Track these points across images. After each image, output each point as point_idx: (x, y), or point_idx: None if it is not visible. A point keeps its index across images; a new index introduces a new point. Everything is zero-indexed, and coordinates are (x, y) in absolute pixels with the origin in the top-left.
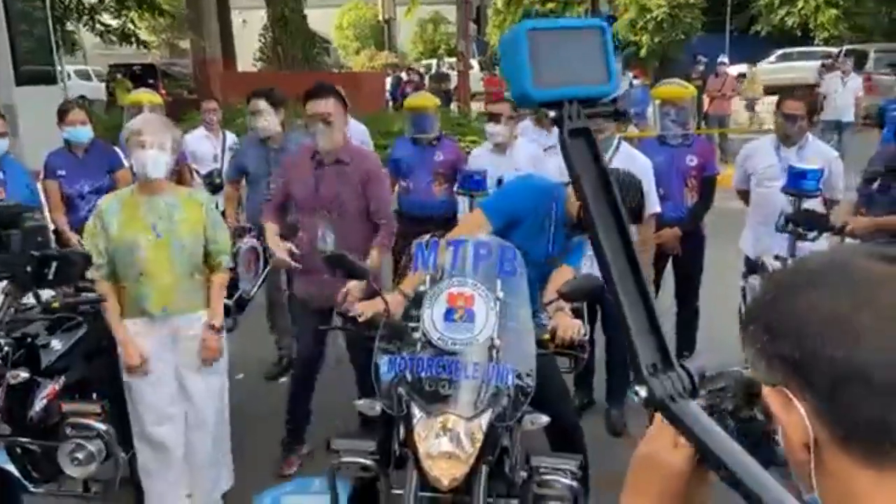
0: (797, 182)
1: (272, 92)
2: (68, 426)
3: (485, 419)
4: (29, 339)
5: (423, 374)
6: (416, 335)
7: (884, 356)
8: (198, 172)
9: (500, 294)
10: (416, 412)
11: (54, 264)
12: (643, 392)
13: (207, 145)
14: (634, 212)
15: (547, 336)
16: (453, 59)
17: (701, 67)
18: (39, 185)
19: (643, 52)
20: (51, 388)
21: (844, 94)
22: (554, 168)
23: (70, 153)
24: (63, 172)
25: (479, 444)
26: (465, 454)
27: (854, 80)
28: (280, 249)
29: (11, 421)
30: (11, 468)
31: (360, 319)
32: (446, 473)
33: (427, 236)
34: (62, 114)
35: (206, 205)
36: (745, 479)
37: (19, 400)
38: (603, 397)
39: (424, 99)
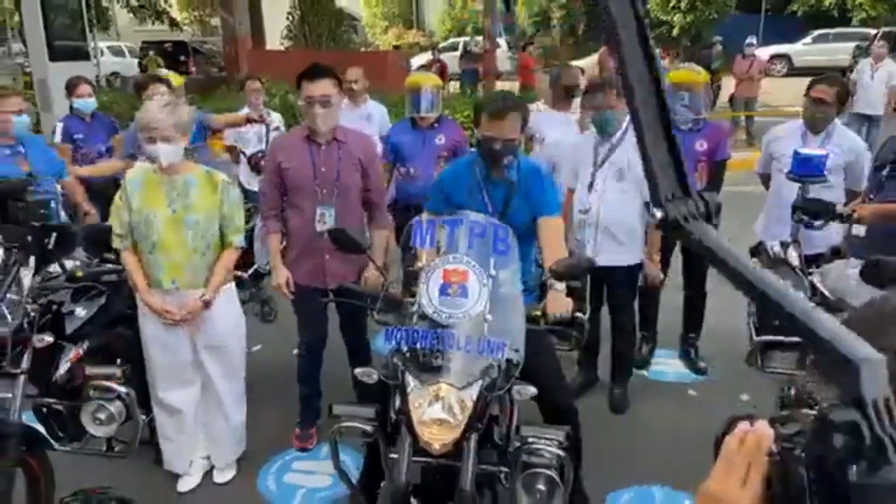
0: (800, 167)
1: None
2: (91, 388)
3: (475, 389)
4: (54, 307)
5: (418, 346)
6: (413, 308)
7: None
8: (243, 153)
9: (493, 271)
10: (411, 381)
11: (54, 235)
12: (659, 214)
13: (252, 126)
14: None
15: (538, 312)
16: (481, 38)
17: (719, 48)
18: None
19: (675, 32)
20: (74, 352)
21: (874, 85)
22: (565, 146)
23: (80, 119)
24: (80, 136)
25: (468, 412)
26: (455, 421)
27: (887, 68)
28: (280, 275)
29: (38, 383)
30: (39, 427)
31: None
32: (437, 438)
33: (424, 215)
34: (72, 87)
35: (223, 184)
36: (769, 291)
37: (45, 363)
38: (607, 377)
39: (421, 77)
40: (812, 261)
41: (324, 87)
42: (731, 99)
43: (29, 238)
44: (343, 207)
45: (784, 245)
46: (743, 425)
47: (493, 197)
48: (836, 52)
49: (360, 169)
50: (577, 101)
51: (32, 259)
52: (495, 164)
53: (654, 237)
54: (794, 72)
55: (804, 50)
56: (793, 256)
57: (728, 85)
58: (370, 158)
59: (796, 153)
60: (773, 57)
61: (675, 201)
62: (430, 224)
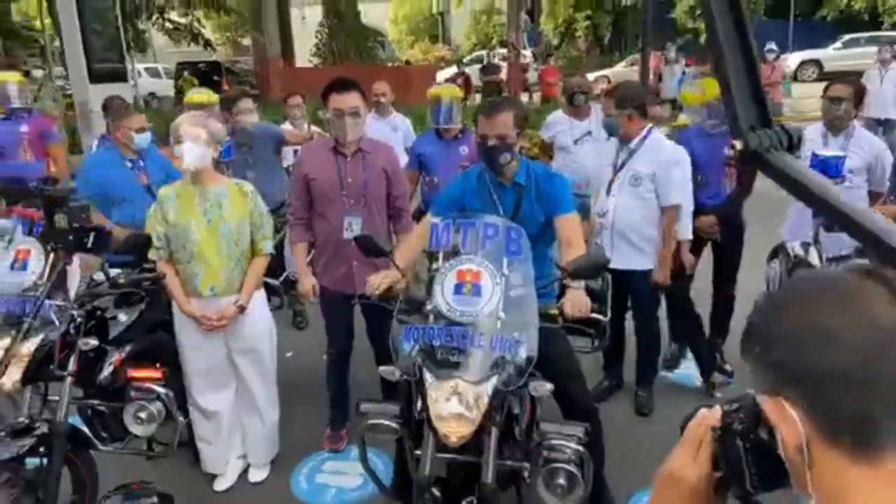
0: (818, 169)
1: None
2: (132, 389)
3: (490, 384)
4: (98, 312)
5: (434, 343)
6: (429, 307)
7: (859, 355)
8: (286, 170)
9: (506, 271)
10: (428, 377)
11: (92, 235)
12: (739, 145)
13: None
14: None
15: (555, 311)
16: (505, 50)
17: None
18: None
19: (703, 39)
20: (117, 355)
21: (885, 89)
22: (587, 154)
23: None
24: None
25: (484, 407)
26: (471, 415)
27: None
28: (306, 282)
29: (83, 384)
30: (84, 428)
31: (373, 292)
32: (454, 432)
33: (439, 219)
34: (108, 107)
35: (252, 194)
36: (846, 211)
37: (90, 366)
38: (632, 381)
39: (447, 88)
40: (835, 263)
41: (352, 99)
42: None
43: (70, 238)
44: (369, 216)
45: (805, 246)
46: (703, 411)
47: (504, 201)
48: (867, 56)
49: (386, 178)
50: (594, 108)
51: (76, 259)
52: (493, 164)
53: (666, 244)
54: (825, 77)
55: (834, 55)
56: (813, 257)
57: None
58: (394, 167)
59: (814, 155)
60: (803, 62)
61: (757, 132)
62: (445, 226)
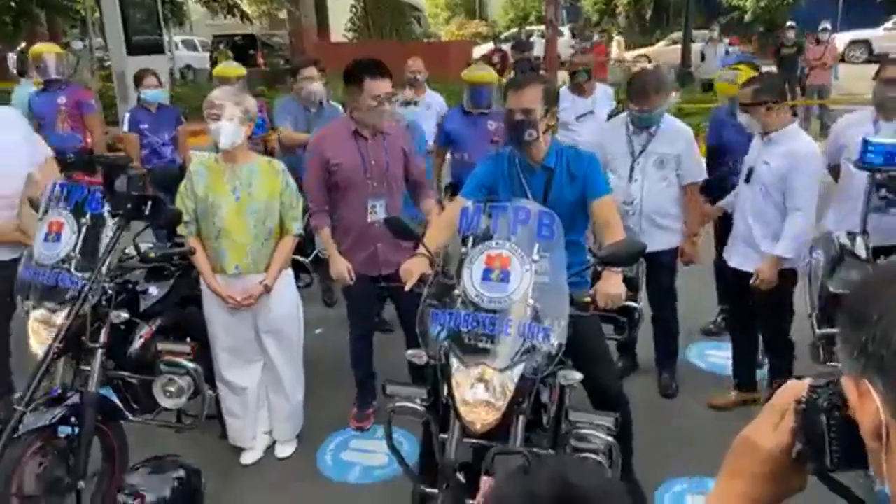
0: (865, 155)
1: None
2: (162, 363)
3: (517, 372)
4: (130, 286)
5: (462, 328)
6: (457, 292)
7: None
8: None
9: (537, 257)
10: (455, 363)
11: (150, 203)
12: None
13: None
14: None
15: (587, 299)
16: (541, 27)
17: (791, 34)
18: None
19: (747, 17)
20: (147, 329)
21: None
22: (588, 132)
23: (146, 110)
24: (146, 126)
25: (510, 394)
26: (497, 402)
27: None
28: (340, 266)
29: (114, 357)
30: (115, 399)
31: (406, 281)
32: (479, 419)
33: (471, 202)
34: (139, 78)
35: (283, 173)
36: None
37: (121, 339)
38: (646, 363)
39: (484, 74)
40: (884, 253)
41: (388, 84)
42: (803, 88)
43: (129, 205)
44: (391, 197)
45: (851, 235)
46: (791, 382)
47: (533, 185)
48: None
49: (404, 157)
50: (598, 86)
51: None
52: (517, 138)
53: (693, 216)
54: (874, 59)
55: (885, 35)
56: (860, 247)
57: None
58: (410, 146)
59: (865, 141)
60: (852, 43)
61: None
62: (476, 210)
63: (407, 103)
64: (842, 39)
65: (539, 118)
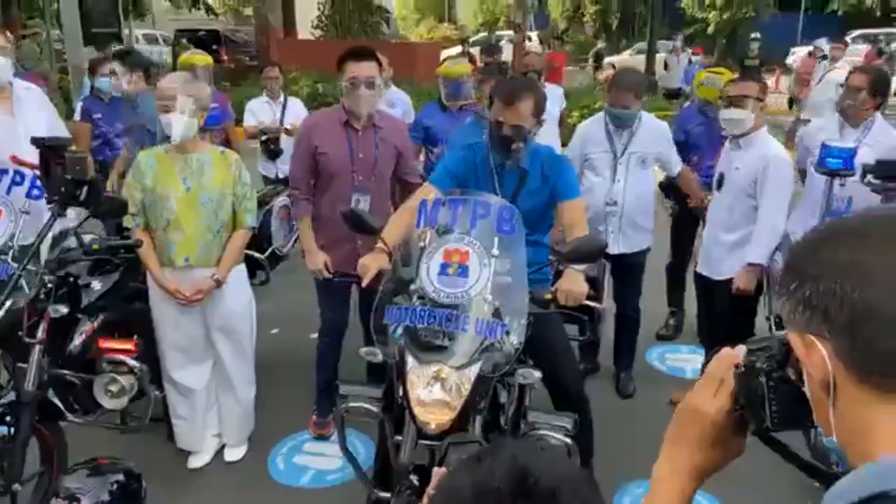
0: (823, 159)
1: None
2: (104, 361)
3: (474, 370)
4: (71, 279)
5: (417, 325)
6: (413, 287)
7: (892, 293)
8: (264, 139)
9: (496, 252)
10: (410, 360)
11: (85, 188)
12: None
13: (268, 111)
14: None
15: (548, 295)
16: (510, 32)
17: (756, 45)
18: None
19: (710, 29)
20: (89, 325)
21: (822, 88)
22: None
23: (100, 100)
24: (99, 116)
25: (466, 394)
26: (453, 402)
27: (840, 71)
28: (318, 259)
29: (53, 354)
30: (53, 398)
31: (363, 276)
32: (434, 419)
33: (431, 195)
34: (94, 66)
35: (237, 164)
36: None
37: (61, 335)
38: (605, 366)
39: (461, 67)
40: None
41: (369, 68)
42: (791, 101)
43: (63, 189)
44: (378, 193)
45: None
46: (726, 350)
47: (505, 184)
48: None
49: (396, 155)
50: (549, 87)
51: (71, 211)
52: (504, 150)
53: (695, 188)
54: None
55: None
56: None
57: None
58: (405, 144)
59: (824, 145)
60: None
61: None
62: (435, 204)
63: None
64: (802, 52)
65: (529, 132)
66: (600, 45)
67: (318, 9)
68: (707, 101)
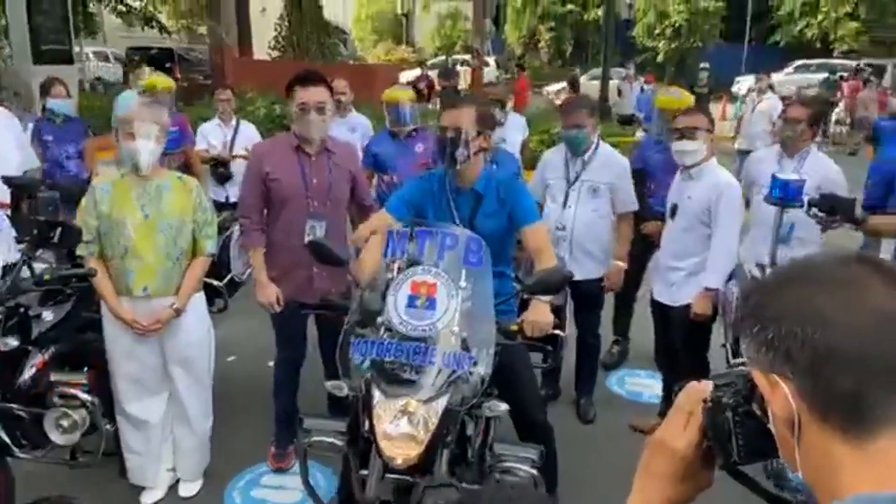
0: (778, 192)
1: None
2: (55, 395)
3: (441, 403)
4: (21, 309)
5: (384, 358)
6: (380, 320)
7: (850, 334)
8: (215, 164)
9: (464, 284)
10: (376, 394)
11: (59, 230)
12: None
13: (219, 134)
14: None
15: (514, 327)
16: (467, 56)
17: (705, 74)
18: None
19: (660, 58)
20: (40, 357)
21: (755, 119)
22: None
23: (51, 122)
24: (50, 138)
25: (434, 427)
26: (420, 436)
27: (769, 102)
28: (269, 292)
29: (1, 387)
30: (0, 433)
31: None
32: (401, 454)
33: (398, 225)
34: (47, 87)
35: (197, 190)
36: None
37: (9, 368)
38: (568, 389)
39: (400, 91)
40: None
41: (319, 93)
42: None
43: (35, 231)
44: (334, 220)
45: (761, 268)
46: (693, 383)
47: (461, 208)
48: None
49: (351, 180)
50: (509, 115)
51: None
52: (448, 156)
53: (623, 244)
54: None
55: (786, 80)
56: None
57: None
58: (358, 168)
59: (774, 178)
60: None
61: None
62: (402, 235)
63: None
64: (746, 82)
65: (471, 139)
66: (577, 70)
67: (275, 29)
68: (665, 126)
